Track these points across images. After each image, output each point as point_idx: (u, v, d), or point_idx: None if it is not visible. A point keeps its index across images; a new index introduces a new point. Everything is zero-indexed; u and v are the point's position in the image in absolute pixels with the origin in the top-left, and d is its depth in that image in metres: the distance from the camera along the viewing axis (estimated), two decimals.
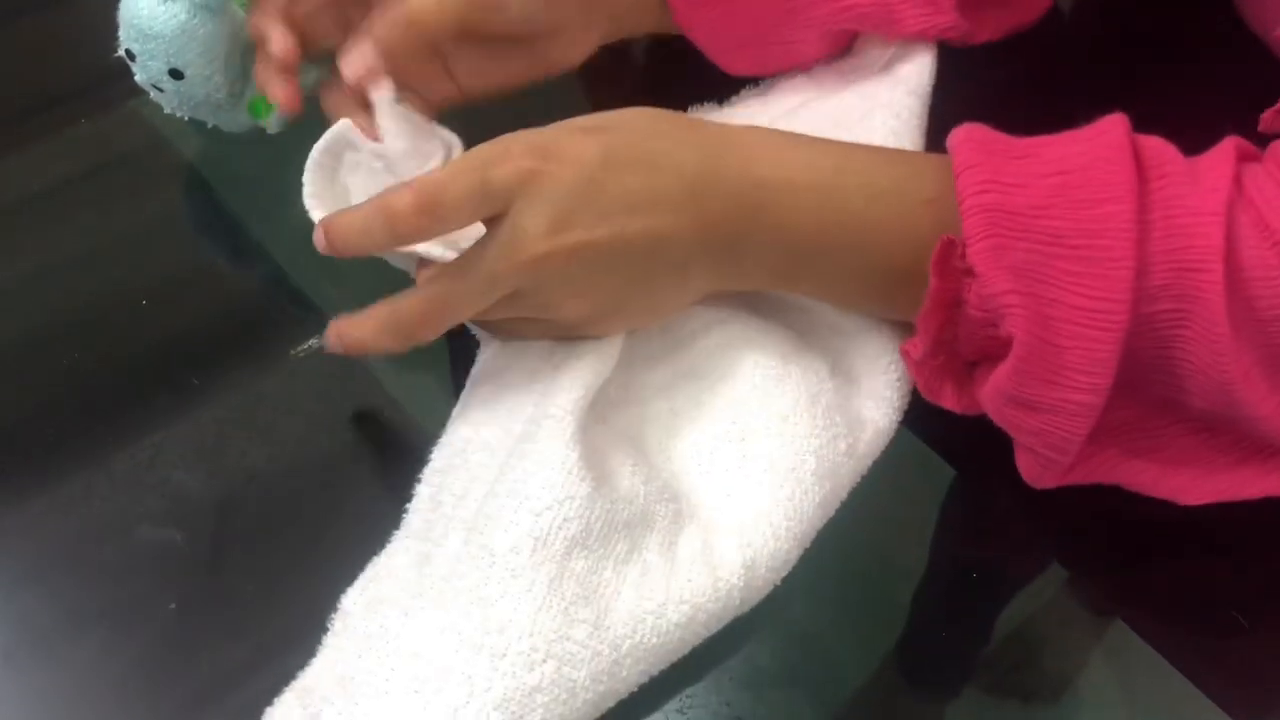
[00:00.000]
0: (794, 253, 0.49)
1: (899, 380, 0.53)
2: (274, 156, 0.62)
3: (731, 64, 0.63)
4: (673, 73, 0.70)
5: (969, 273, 0.46)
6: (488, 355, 0.54)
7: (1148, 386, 0.47)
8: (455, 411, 0.53)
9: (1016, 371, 0.45)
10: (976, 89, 0.65)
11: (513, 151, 0.46)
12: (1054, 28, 0.71)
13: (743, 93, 0.66)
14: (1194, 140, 0.47)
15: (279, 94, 0.55)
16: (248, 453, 0.53)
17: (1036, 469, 0.48)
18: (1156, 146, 0.46)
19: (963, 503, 0.53)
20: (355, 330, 0.49)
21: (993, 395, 0.47)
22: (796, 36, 0.62)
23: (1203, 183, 0.45)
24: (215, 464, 0.53)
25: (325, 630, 0.47)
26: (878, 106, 0.61)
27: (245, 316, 0.60)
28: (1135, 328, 0.44)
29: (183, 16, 0.57)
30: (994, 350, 0.47)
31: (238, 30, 0.59)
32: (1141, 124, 0.47)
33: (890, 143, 0.60)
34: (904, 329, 0.54)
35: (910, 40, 0.62)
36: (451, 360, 0.56)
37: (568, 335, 0.51)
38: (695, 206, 0.47)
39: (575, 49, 0.59)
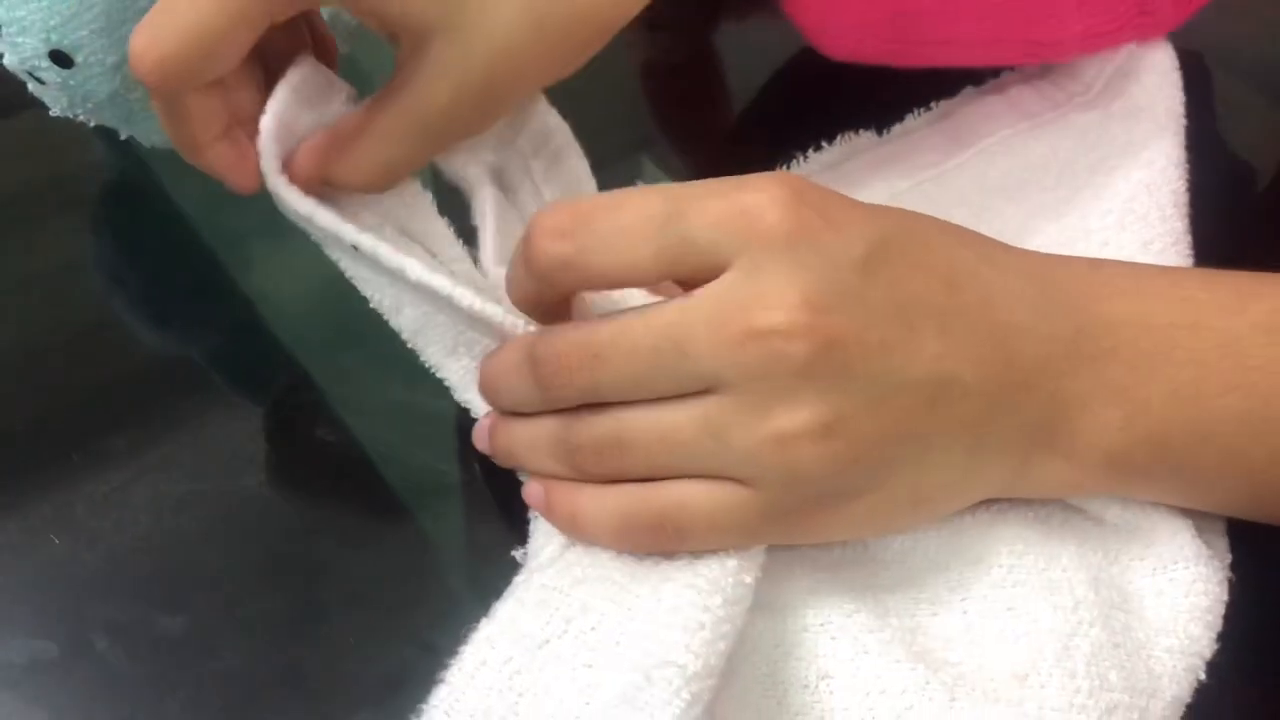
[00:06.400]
0: (1153, 428, 0.34)
1: (1209, 608, 0.34)
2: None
3: (830, 46, 0.47)
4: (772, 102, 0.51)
5: None
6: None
7: None
8: (501, 607, 0.33)
9: None
10: None
11: (759, 187, 0.31)
12: None
13: (906, 123, 0.46)
14: None
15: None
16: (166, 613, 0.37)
17: None
18: None
19: None
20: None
21: None
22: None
23: None
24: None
25: None
26: (1114, 153, 0.45)
27: (184, 380, 0.44)
28: None
29: None
30: None
31: None
32: None
33: (1142, 198, 0.43)
34: (1205, 516, 0.36)
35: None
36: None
37: (722, 539, 0.32)
38: (1003, 350, 0.33)
39: None
